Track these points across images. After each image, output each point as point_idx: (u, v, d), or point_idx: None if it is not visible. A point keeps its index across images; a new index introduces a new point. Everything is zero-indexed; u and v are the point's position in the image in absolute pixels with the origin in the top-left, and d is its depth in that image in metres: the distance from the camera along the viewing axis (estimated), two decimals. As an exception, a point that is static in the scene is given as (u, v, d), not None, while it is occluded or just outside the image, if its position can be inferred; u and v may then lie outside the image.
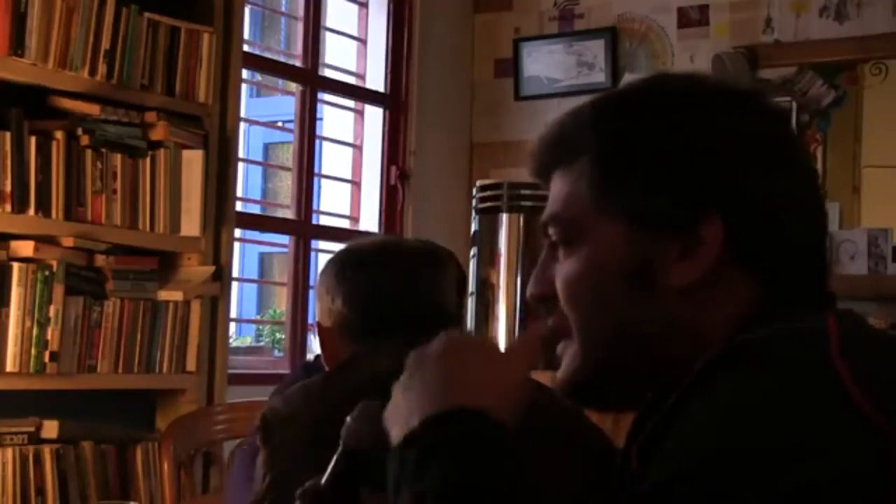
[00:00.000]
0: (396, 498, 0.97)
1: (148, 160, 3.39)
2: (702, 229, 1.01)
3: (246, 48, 4.04)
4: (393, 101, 4.84)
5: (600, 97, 1.11)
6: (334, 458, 1.15)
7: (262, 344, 9.28)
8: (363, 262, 1.91)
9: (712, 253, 1.01)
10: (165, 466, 3.07)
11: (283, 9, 8.46)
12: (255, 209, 7.02)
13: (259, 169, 14.31)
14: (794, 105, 4.48)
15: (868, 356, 0.94)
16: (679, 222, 1.02)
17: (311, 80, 4.56)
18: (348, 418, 1.15)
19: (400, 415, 1.03)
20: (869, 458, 0.87)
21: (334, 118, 5.01)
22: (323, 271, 1.95)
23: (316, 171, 4.66)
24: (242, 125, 4.07)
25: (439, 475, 0.95)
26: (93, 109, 3.26)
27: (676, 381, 1.01)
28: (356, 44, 4.86)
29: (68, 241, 3.18)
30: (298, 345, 4.42)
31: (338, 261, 1.94)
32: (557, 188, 1.10)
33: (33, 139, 3.13)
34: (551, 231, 1.09)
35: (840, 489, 0.85)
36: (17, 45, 3.11)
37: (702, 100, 1.07)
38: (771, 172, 1.04)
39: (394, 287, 1.88)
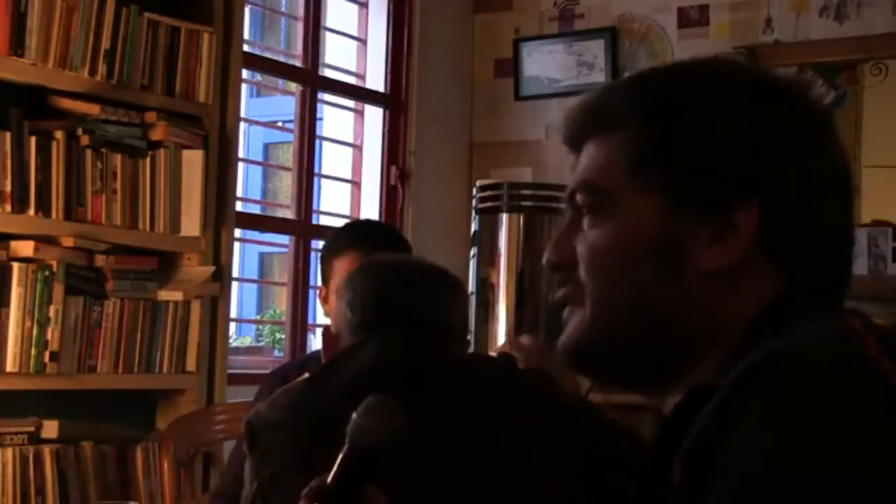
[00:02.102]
0: None
1: (148, 160, 3.39)
2: (737, 217, 1.01)
3: (246, 48, 4.04)
4: (393, 101, 4.84)
5: (646, 72, 1.11)
6: (340, 455, 1.14)
7: (262, 344, 9.28)
8: (372, 270, 1.95)
9: (744, 241, 1.01)
10: (165, 466, 3.07)
11: (283, 9, 8.46)
12: (255, 209, 7.02)
13: (259, 169, 14.31)
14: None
15: None
16: (716, 206, 1.01)
17: (311, 80, 4.56)
18: (354, 415, 1.14)
19: None
20: None
21: (334, 118, 5.01)
22: (343, 270, 1.99)
23: (316, 171, 4.66)
24: (242, 125, 4.07)
25: None
26: (93, 109, 3.26)
27: (688, 370, 1.00)
28: (356, 44, 4.86)
29: (68, 241, 3.18)
30: (298, 345, 4.42)
31: (355, 269, 1.99)
32: (591, 155, 1.08)
33: (33, 139, 3.13)
34: (580, 198, 1.08)
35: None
36: (17, 45, 3.11)
37: (752, 88, 1.07)
38: (811, 171, 1.04)
39: (395, 294, 1.91)
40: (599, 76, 4.79)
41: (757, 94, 1.06)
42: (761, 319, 1.01)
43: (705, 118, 1.04)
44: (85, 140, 3.24)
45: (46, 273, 3.13)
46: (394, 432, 1.13)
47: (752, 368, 0.92)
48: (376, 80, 4.83)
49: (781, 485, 0.84)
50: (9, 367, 3.06)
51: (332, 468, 1.15)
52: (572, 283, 1.08)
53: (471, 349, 3.87)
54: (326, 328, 2.00)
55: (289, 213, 4.56)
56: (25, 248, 3.11)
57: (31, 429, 3.17)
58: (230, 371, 3.68)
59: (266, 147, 13.39)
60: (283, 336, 4.65)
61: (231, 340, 4.01)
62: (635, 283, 1.04)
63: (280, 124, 7.32)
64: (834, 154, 1.06)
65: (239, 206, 3.87)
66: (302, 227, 4.48)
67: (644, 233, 1.03)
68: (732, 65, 1.11)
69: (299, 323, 4.43)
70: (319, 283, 2.78)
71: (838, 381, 0.89)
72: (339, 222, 4.70)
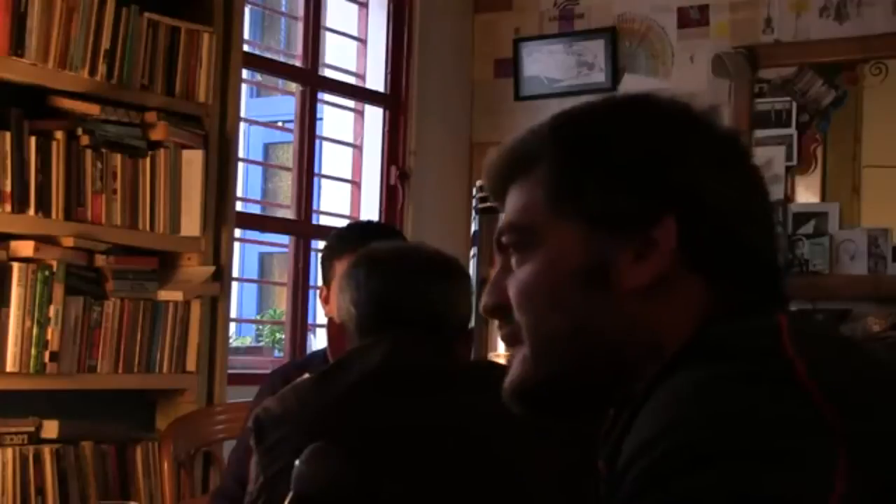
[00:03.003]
0: None
1: (148, 160, 3.39)
2: (655, 231, 1.03)
3: (246, 48, 4.04)
4: (393, 101, 4.84)
5: (557, 113, 1.14)
6: (286, 502, 1.14)
7: (262, 344, 9.27)
8: (375, 264, 1.94)
9: (665, 255, 1.03)
10: (165, 466, 3.07)
11: (283, 9, 8.45)
12: (255, 209, 7.01)
13: (259, 169, 14.30)
14: (794, 105, 4.47)
15: (817, 348, 0.98)
16: (634, 224, 1.04)
17: (311, 80, 4.56)
18: (297, 462, 1.14)
19: None
20: (814, 448, 0.89)
21: (334, 118, 5.01)
22: (344, 270, 1.99)
23: (316, 171, 4.66)
24: (242, 125, 4.07)
25: None
26: (93, 109, 3.26)
27: (632, 391, 1.03)
28: (356, 44, 4.86)
29: (68, 241, 3.18)
30: (298, 345, 4.42)
31: (354, 261, 1.98)
32: (513, 199, 1.11)
33: (33, 139, 3.13)
34: (505, 239, 1.11)
35: (784, 473, 0.88)
36: (17, 45, 3.11)
37: (658, 111, 1.10)
38: (722, 184, 1.06)
39: (401, 291, 1.91)
40: (599, 76, 4.79)
41: (664, 116, 1.09)
42: (697, 329, 1.03)
43: (613, 141, 1.07)
44: (85, 140, 3.24)
45: (46, 273, 3.13)
46: (336, 481, 1.12)
47: (669, 362, 0.98)
48: (376, 80, 4.83)
49: (654, 447, 0.91)
50: (9, 367, 3.06)
51: None
52: (510, 324, 1.09)
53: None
54: (331, 320, 2.00)
55: (289, 213, 4.56)
56: (25, 248, 3.11)
57: (31, 429, 3.17)
58: (230, 371, 3.67)
59: (266, 147, 13.38)
60: (283, 336, 4.65)
61: (231, 340, 4.01)
62: (568, 311, 1.05)
63: (280, 124, 7.31)
64: (745, 168, 1.10)
65: (239, 206, 3.87)
66: (302, 227, 4.48)
67: (570, 258, 1.05)
68: (641, 96, 1.14)
69: (299, 323, 4.43)
70: (320, 283, 2.78)
71: (741, 367, 0.94)
72: (339, 222, 4.71)
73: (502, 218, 1.12)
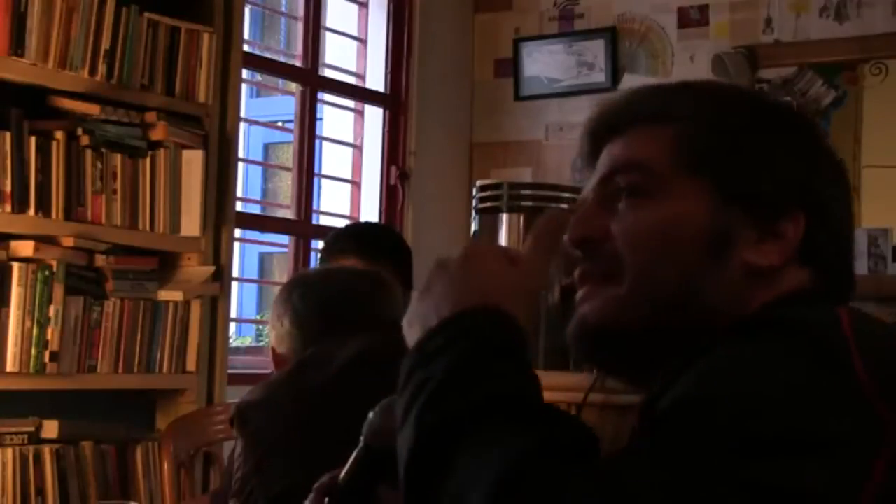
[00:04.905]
0: (402, 391, 0.97)
1: (148, 160, 3.39)
2: (785, 224, 1.08)
3: (246, 48, 4.04)
4: (393, 101, 4.84)
5: (709, 82, 1.19)
6: (354, 453, 1.15)
7: (262, 344, 9.26)
8: (306, 285, 2.05)
9: (790, 247, 1.08)
10: (165, 466, 3.07)
11: (283, 9, 8.45)
12: (255, 209, 7.01)
13: (259, 169, 14.30)
14: (795, 105, 4.47)
15: (877, 340, 0.99)
16: (767, 211, 1.08)
17: (311, 80, 4.56)
18: (370, 413, 1.15)
19: (418, 319, 1.02)
20: (856, 433, 0.89)
21: (334, 118, 5.01)
22: (274, 302, 2.10)
23: (316, 171, 4.66)
24: (242, 125, 4.07)
25: (450, 362, 0.95)
26: (93, 109, 3.26)
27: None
28: (356, 44, 4.86)
29: (68, 241, 3.18)
30: (298, 345, 4.41)
31: (284, 289, 2.10)
32: (639, 140, 1.12)
33: (33, 139, 3.13)
34: (623, 178, 1.11)
35: (825, 457, 0.88)
36: (17, 45, 3.11)
37: (799, 118, 1.19)
38: (840, 191, 1.13)
39: (339, 301, 2.03)
40: (599, 76, 4.79)
41: (805, 124, 1.17)
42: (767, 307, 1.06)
43: (771, 130, 1.11)
44: (85, 140, 3.24)
45: (46, 273, 3.13)
46: None
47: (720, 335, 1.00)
48: (376, 80, 4.83)
49: (702, 409, 0.91)
50: (9, 367, 3.06)
51: (344, 463, 1.16)
52: (598, 258, 1.09)
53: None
54: (274, 351, 2.08)
55: (289, 213, 4.56)
56: (25, 248, 3.11)
57: (31, 429, 3.17)
58: (230, 371, 3.68)
59: (266, 147, 13.38)
60: (283, 336, 4.64)
61: (231, 340, 4.01)
62: (683, 267, 1.07)
63: (280, 124, 7.31)
64: (847, 183, 1.16)
65: (239, 206, 3.87)
66: (302, 227, 4.48)
67: (697, 220, 1.08)
68: (783, 101, 1.23)
69: (299, 323, 4.42)
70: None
71: (794, 344, 0.95)
72: (339, 222, 4.71)
73: (618, 154, 1.12)
